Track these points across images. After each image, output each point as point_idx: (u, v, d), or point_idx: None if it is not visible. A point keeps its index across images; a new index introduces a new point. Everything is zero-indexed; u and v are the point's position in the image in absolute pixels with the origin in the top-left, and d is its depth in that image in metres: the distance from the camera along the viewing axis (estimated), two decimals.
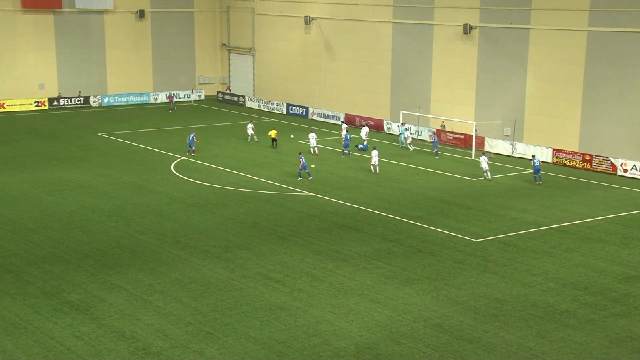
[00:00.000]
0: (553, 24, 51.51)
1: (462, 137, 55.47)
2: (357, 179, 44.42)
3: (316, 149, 50.49)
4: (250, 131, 54.76)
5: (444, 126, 57.21)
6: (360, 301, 26.40)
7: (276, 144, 52.79)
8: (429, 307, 26.07)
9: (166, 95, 72.80)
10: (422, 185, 43.78)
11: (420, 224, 35.78)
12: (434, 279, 28.73)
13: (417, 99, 60.18)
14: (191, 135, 50.16)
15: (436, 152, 51.59)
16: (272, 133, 53.06)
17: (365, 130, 54.57)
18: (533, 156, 45.61)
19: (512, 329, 24.42)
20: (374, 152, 46.20)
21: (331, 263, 30.20)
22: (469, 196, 41.33)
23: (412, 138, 56.23)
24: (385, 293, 27.20)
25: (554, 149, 50.19)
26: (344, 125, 54.59)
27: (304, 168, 43.28)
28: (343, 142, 51.06)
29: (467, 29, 55.97)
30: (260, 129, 56.26)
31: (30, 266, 29.01)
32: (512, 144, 52.44)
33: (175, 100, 71.24)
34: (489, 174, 44.83)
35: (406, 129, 54.54)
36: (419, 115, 58.24)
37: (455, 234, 34.32)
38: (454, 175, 46.56)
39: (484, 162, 44.83)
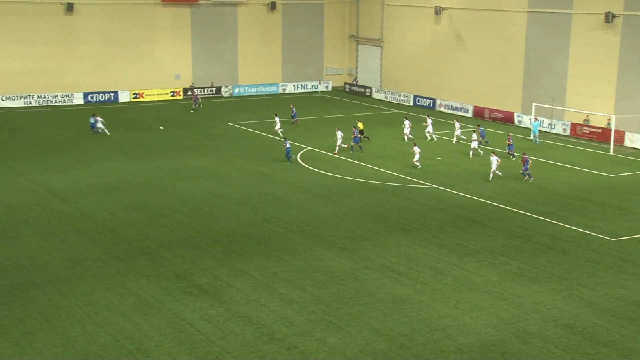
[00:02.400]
0: None
1: (600, 131, 53.15)
2: (485, 173, 43.48)
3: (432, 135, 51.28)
4: (407, 130, 52.32)
5: (588, 120, 54.70)
6: (486, 297, 25.86)
7: (362, 136, 50.98)
8: (559, 306, 25.18)
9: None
10: (554, 180, 42.31)
11: (551, 221, 34.59)
12: (565, 278, 27.71)
13: (551, 91, 58.13)
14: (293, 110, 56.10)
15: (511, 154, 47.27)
16: (360, 125, 51.80)
17: (339, 134, 49.25)
18: None
19: None
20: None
21: (456, 257, 29.75)
22: (605, 193, 39.57)
23: (544, 132, 54.46)
24: (512, 290, 26.50)
25: None
26: (339, 133, 49.34)
27: (356, 142, 46.97)
28: (353, 138, 48.53)
29: (610, 18, 53.51)
30: (386, 121, 56.03)
31: (163, 249, 30.27)
32: None
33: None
34: (497, 172, 41.50)
35: (471, 132, 50.35)
36: (552, 108, 56.25)
37: (589, 232, 32.96)
38: (590, 170, 44.70)
39: (494, 162, 41.18)
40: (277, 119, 54.37)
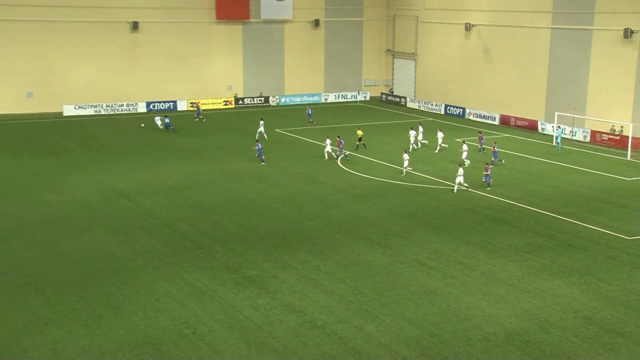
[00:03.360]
0: None
1: (618, 137, 52.16)
2: (510, 177, 43.03)
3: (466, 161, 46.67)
4: (412, 138, 51.17)
5: (615, 130, 53.47)
6: (510, 290, 25.61)
7: (362, 144, 50.50)
8: (578, 299, 24.83)
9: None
10: (575, 183, 41.66)
11: (573, 221, 34.08)
12: (584, 273, 27.29)
13: (572, 101, 57.28)
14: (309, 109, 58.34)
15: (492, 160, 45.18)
16: (359, 133, 51.21)
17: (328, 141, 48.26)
18: None
19: None
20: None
21: (483, 253, 29.50)
22: (623, 195, 38.83)
23: (566, 138, 53.68)
24: (534, 284, 26.20)
25: None
26: (328, 140, 48.33)
27: (341, 150, 46.22)
28: (339, 147, 47.18)
29: (628, 33, 52.52)
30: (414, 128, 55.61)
31: (216, 244, 30.57)
32: None
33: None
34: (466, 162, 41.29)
35: (463, 143, 48.25)
36: (574, 117, 55.38)
37: (608, 231, 32.39)
38: (608, 174, 43.90)
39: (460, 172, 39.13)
40: (261, 122, 54.02)
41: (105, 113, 66.58)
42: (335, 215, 34.79)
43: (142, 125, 58.79)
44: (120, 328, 22.39)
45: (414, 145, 50.53)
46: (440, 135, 50.51)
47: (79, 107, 65.80)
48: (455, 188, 38.89)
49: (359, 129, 52.52)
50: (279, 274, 27.09)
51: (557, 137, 52.34)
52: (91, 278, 26.45)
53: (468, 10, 67.21)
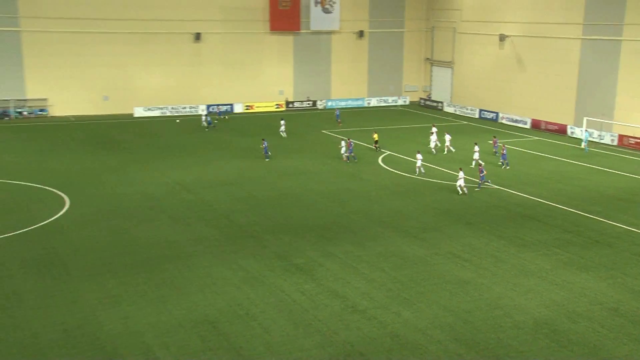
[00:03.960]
0: None
1: None
2: (540, 177, 42.17)
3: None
4: (447, 141, 49.43)
5: None
6: (539, 282, 25.11)
7: (378, 147, 49.73)
8: (604, 292, 24.20)
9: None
10: (602, 184, 40.60)
11: (599, 218, 33.23)
12: (610, 268, 26.59)
13: (600, 107, 55.81)
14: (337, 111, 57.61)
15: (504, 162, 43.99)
16: (375, 136, 50.31)
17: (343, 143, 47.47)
18: None
19: None
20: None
21: (513, 248, 28.99)
22: None
23: (594, 142, 52.34)
24: (562, 277, 25.64)
25: None
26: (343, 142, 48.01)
27: (350, 152, 45.06)
28: (348, 149, 46.24)
29: None
30: (455, 131, 55.08)
31: (267, 234, 30.74)
32: None
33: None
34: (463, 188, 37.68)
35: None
36: (602, 122, 53.96)
37: (633, 229, 31.49)
38: (634, 176, 42.67)
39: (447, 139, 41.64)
40: (282, 121, 54.65)
41: (170, 114, 67.60)
42: (376, 210, 34.63)
43: (178, 120, 59.39)
44: (182, 307, 22.72)
45: (450, 147, 48.80)
46: (447, 137, 49.23)
47: (148, 109, 66.97)
48: (459, 191, 37.24)
49: (375, 132, 51.86)
50: (324, 262, 27.11)
51: (584, 140, 51.07)
52: (157, 262, 26.90)
53: (502, 22, 66.04)
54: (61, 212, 33.29)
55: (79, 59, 65.35)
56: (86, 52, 65.47)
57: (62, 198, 36.17)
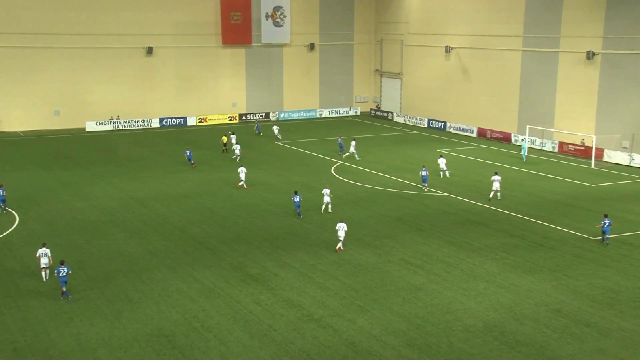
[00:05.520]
0: None
1: (583, 148, 52.24)
2: (486, 183, 42.98)
3: (446, 172, 44.34)
4: (352, 149, 49.89)
5: (584, 142, 52.93)
6: (488, 286, 25.53)
7: (226, 150, 52.48)
8: (549, 294, 24.76)
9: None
10: (544, 189, 41.66)
11: (542, 222, 34.06)
12: (554, 270, 27.24)
13: (541, 115, 57.37)
14: (187, 152, 48.59)
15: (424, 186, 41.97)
16: (224, 139, 53.13)
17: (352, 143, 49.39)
18: (605, 216, 31.34)
19: (627, 317, 22.70)
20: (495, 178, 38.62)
21: (463, 253, 29.43)
22: (588, 200, 38.85)
23: (536, 149, 53.62)
24: (510, 280, 26.13)
25: None
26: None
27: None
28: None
29: (590, 55, 52.71)
30: (404, 140, 55.73)
31: (222, 245, 30.44)
32: (630, 155, 48.73)
33: (259, 125, 64.28)
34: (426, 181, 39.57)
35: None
36: (543, 130, 55.47)
37: (574, 232, 32.37)
38: (574, 181, 43.93)
39: (442, 163, 42.69)
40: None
41: (123, 128, 66.40)
42: (330, 219, 34.60)
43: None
44: (137, 321, 22.25)
45: (445, 173, 44.64)
46: (442, 160, 46.16)
47: (100, 124, 65.63)
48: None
49: (224, 136, 54.19)
50: (279, 272, 26.97)
51: (523, 148, 52.33)
52: (111, 276, 26.33)
53: (448, 34, 67.35)
54: (11, 229, 32.22)
55: (29, 73, 63.66)
56: (36, 67, 63.81)
57: (12, 214, 35.03)
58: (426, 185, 40.79)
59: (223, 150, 52.96)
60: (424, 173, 40.62)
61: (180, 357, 19.96)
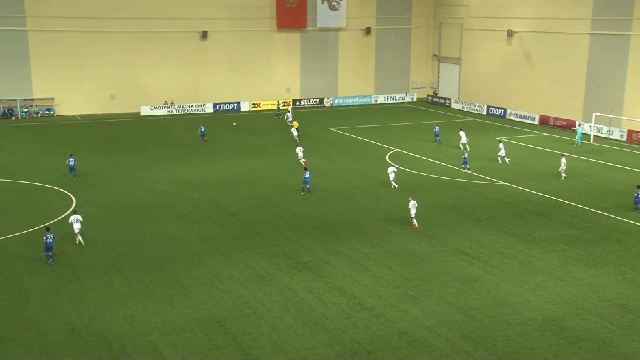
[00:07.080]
0: None
1: None
2: (548, 173, 41.98)
3: (505, 159, 44.19)
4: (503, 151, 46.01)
5: None
6: (548, 279, 25.01)
7: (299, 135, 51.95)
8: (613, 288, 24.07)
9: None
10: (610, 179, 40.38)
11: (608, 214, 33.06)
12: (619, 264, 26.44)
13: (609, 102, 55.45)
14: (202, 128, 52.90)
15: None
16: (295, 124, 52.83)
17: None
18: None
19: None
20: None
21: (522, 244, 28.88)
22: None
23: (602, 137, 52.02)
24: (571, 273, 25.52)
25: None
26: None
27: (306, 183, 36.76)
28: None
29: None
30: (463, 128, 54.88)
31: (274, 232, 30.75)
32: None
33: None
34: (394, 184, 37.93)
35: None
36: (611, 117, 53.64)
37: None
38: None
39: (391, 172, 38.04)
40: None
41: (177, 113, 67.71)
42: (384, 207, 34.57)
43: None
44: (189, 306, 22.76)
45: (505, 159, 44.43)
46: (462, 134, 48.52)
47: (154, 108, 67.10)
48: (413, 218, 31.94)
49: (295, 120, 55.14)
50: (332, 260, 27.08)
51: (578, 134, 50.87)
52: (164, 261, 26.96)
53: (510, 18, 65.76)
54: (68, 212, 33.41)
55: (86, 58, 65.57)
56: (92, 51, 65.67)
57: (69, 197, 36.31)
58: (467, 167, 41.94)
59: (298, 136, 51.72)
60: (465, 155, 42.41)
61: (232, 342, 20.35)
